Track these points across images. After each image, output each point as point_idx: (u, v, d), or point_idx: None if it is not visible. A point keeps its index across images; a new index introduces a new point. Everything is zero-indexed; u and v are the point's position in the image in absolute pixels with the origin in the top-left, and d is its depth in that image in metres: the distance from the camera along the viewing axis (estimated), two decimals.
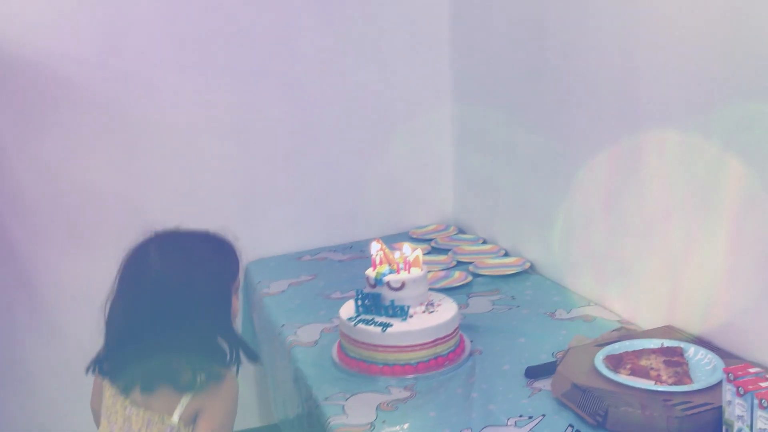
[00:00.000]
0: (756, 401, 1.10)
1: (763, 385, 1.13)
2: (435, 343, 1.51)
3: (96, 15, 2.16)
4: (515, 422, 1.30)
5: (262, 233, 2.42)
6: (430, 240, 2.39)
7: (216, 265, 1.28)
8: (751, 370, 1.17)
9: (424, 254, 1.71)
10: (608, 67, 1.67)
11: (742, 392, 1.13)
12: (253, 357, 1.33)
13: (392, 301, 1.54)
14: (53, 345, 2.29)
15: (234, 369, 1.31)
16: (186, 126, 2.30)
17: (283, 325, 1.84)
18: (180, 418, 1.26)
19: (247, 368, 2.34)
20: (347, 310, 1.60)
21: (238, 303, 1.34)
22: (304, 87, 2.37)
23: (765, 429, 1.09)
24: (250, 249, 2.37)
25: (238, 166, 2.37)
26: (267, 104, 2.36)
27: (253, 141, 2.37)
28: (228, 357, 1.29)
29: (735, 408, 1.15)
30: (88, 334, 1.38)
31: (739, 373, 1.16)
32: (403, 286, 1.55)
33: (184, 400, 1.25)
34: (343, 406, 1.41)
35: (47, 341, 2.29)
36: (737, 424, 1.14)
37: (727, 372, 1.17)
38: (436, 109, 2.50)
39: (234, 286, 1.32)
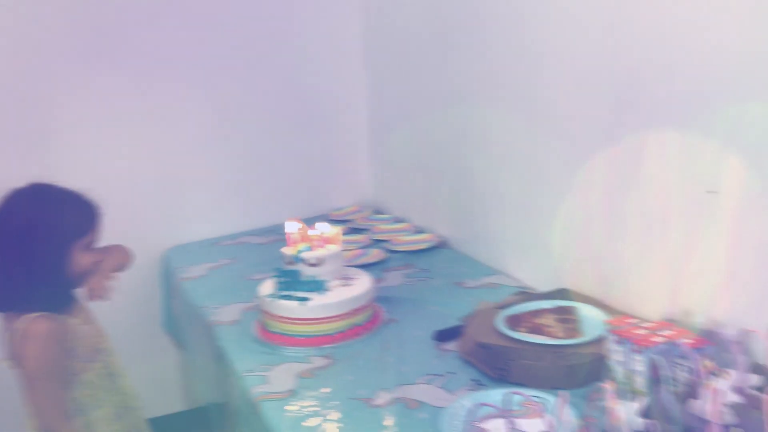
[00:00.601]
0: (631, 347, 1.25)
1: (637, 332, 1.28)
2: (352, 313, 1.60)
3: None
4: (425, 380, 1.41)
5: (180, 220, 2.43)
6: (348, 221, 2.47)
7: (62, 217, 1.41)
8: (629, 321, 1.33)
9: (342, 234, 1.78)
10: (508, 50, 1.79)
11: (620, 340, 1.28)
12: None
13: (310, 277, 1.62)
14: None
15: (57, 314, 1.42)
16: (99, 113, 2.28)
17: (203, 307, 1.88)
18: (7, 359, 1.39)
19: (170, 353, 2.43)
20: (267, 287, 1.66)
21: (87, 259, 1.46)
22: (220, 73, 2.40)
23: (640, 370, 1.24)
24: (167, 235, 2.41)
25: (154, 153, 2.37)
26: (183, 90, 2.36)
27: (169, 128, 2.37)
28: (49, 303, 1.41)
29: (616, 355, 1.29)
30: None
31: (618, 324, 1.31)
32: (320, 261, 1.62)
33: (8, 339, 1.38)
34: (265, 377, 1.47)
35: None
36: (617, 369, 1.29)
37: (608, 323, 1.32)
38: (352, 94, 2.58)
39: (81, 242, 1.44)
